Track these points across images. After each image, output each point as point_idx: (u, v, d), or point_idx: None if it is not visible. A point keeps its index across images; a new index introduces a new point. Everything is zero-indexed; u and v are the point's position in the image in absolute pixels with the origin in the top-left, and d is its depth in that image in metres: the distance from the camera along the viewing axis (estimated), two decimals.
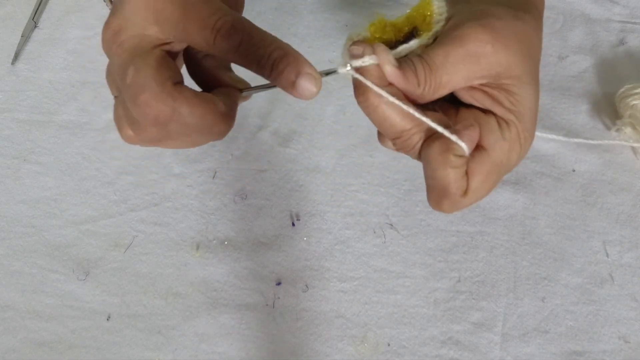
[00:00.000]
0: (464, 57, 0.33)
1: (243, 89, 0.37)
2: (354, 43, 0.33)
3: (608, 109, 0.58)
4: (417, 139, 0.34)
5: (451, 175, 0.33)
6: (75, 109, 0.60)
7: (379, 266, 0.52)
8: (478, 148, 0.35)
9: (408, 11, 0.35)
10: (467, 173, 0.34)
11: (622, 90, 0.57)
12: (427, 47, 0.35)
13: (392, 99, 0.33)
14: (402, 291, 0.51)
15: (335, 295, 0.51)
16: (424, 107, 0.35)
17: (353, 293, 0.51)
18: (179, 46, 0.35)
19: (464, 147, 0.33)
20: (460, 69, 0.34)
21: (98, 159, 0.58)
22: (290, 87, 0.32)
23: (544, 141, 0.57)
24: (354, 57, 0.33)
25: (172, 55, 0.35)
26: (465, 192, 0.34)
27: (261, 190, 0.56)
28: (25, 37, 0.64)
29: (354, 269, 0.52)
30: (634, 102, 0.55)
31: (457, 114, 0.37)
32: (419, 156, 0.35)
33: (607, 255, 0.52)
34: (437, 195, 0.34)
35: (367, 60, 0.33)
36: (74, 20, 0.65)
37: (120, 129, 0.36)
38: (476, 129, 0.34)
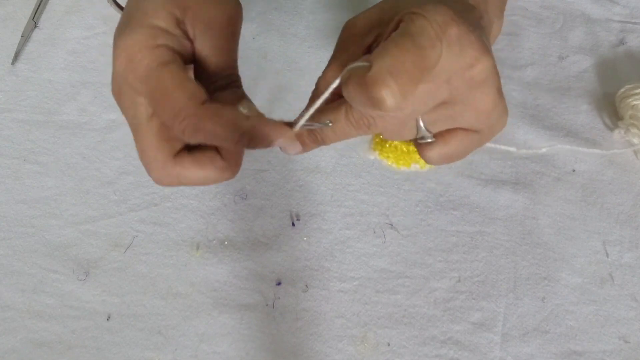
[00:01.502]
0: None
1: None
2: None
3: (608, 109, 0.58)
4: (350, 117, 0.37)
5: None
6: (75, 109, 0.60)
7: (379, 266, 0.52)
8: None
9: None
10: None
11: (622, 90, 0.57)
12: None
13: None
14: (402, 291, 0.51)
15: (335, 295, 0.51)
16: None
17: (353, 293, 0.51)
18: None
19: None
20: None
21: (98, 159, 0.58)
22: (270, 147, 0.36)
23: (544, 141, 0.57)
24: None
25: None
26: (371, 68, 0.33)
27: (261, 190, 0.56)
28: (25, 37, 0.64)
29: (354, 269, 0.52)
30: (635, 102, 0.55)
31: None
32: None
33: (607, 255, 0.52)
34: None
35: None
36: (74, 20, 0.65)
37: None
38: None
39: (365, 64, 0.32)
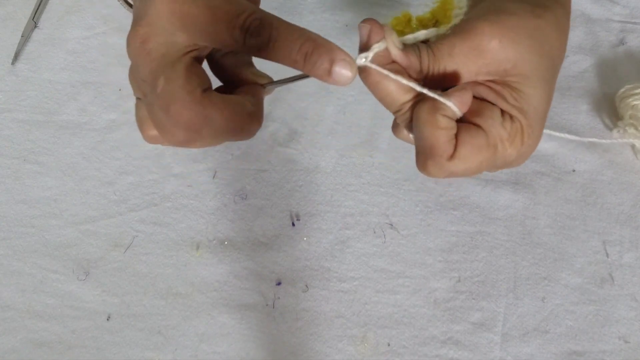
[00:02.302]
0: (469, 50, 0.34)
1: (265, 84, 0.38)
2: (365, 21, 0.34)
3: (608, 109, 0.58)
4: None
5: (438, 135, 0.34)
6: (75, 109, 0.60)
7: (379, 266, 0.52)
8: (474, 126, 0.35)
9: (433, 7, 0.37)
10: (456, 140, 0.34)
11: (622, 90, 0.57)
12: (445, 36, 0.35)
13: (393, 75, 0.34)
14: (402, 291, 0.51)
15: (335, 295, 0.51)
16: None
17: (353, 293, 0.51)
18: (206, 51, 0.36)
19: (452, 105, 0.34)
20: (465, 61, 0.34)
21: (98, 159, 0.58)
22: (326, 76, 0.33)
23: (544, 141, 0.56)
24: (361, 37, 0.34)
25: (199, 60, 0.36)
26: (451, 157, 0.34)
27: (261, 190, 0.56)
28: (25, 37, 0.64)
29: (354, 269, 0.52)
30: (635, 102, 0.55)
31: None
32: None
33: (607, 255, 0.52)
34: (423, 154, 0.35)
35: (375, 48, 0.34)
36: (74, 20, 0.65)
37: (143, 130, 0.37)
38: (468, 92, 0.34)
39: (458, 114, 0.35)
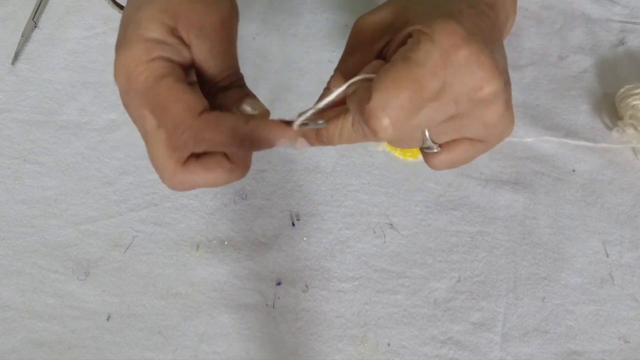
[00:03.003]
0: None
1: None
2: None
3: (608, 109, 0.58)
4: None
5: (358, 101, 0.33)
6: (75, 109, 0.60)
7: (379, 266, 0.52)
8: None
9: None
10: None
11: (622, 90, 0.57)
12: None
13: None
14: (402, 291, 0.51)
15: (335, 295, 0.51)
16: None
17: (353, 293, 0.51)
18: (191, 73, 0.38)
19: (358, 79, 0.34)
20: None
21: (98, 159, 0.58)
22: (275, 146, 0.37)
23: (544, 141, 0.57)
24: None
25: (187, 81, 0.37)
26: (369, 100, 0.32)
27: (261, 190, 0.56)
28: (25, 37, 0.64)
29: (354, 269, 0.52)
30: (635, 102, 0.55)
31: None
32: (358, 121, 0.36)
33: (607, 255, 0.52)
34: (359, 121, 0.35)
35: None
36: (74, 20, 0.65)
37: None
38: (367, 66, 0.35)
39: (369, 76, 0.32)
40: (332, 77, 0.38)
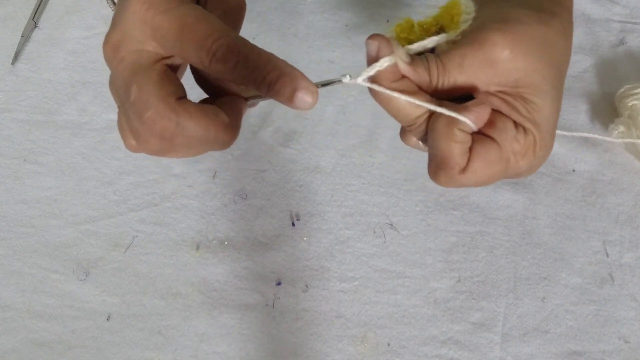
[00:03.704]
0: (481, 61, 0.34)
1: (249, 97, 0.37)
2: (371, 37, 0.34)
3: (608, 109, 0.58)
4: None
5: (452, 148, 0.34)
6: (75, 109, 0.60)
7: (379, 266, 0.52)
8: (488, 139, 0.35)
9: (436, 12, 0.36)
10: (470, 153, 0.34)
11: (621, 90, 0.57)
12: (454, 43, 0.35)
13: (403, 97, 0.34)
14: (402, 291, 0.51)
15: (335, 295, 0.51)
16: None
17: (353, 293, 0.51)
18: (179, 60, 0.35)
19: (469, 122, 0.34)
20: (476, 72, 0.34)
21: (98, 159, 0.58)
22: (288, 102, 0.33)
23: None
24: (369, 54, 0.34)
25: (173, 68, 0.35)
26: (463, 170, 0.34)
27: (261, 190, 0.56)
28: (25, 37, 0.64)
29: (354, 269, 0.52)
30: (633, 102, 0.55)
31: None
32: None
33: (607, 255, 0.52)
34: (435, 165, 0.35)
35: (382, 64, 0.33)
36: (74, 20, 0.65)
37: (124, 138, 0.36)
38: (486, 108, 0.34)
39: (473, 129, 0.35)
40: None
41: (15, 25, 0.65)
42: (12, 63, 0.63)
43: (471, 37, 0.34)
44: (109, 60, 0.35)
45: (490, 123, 0.35)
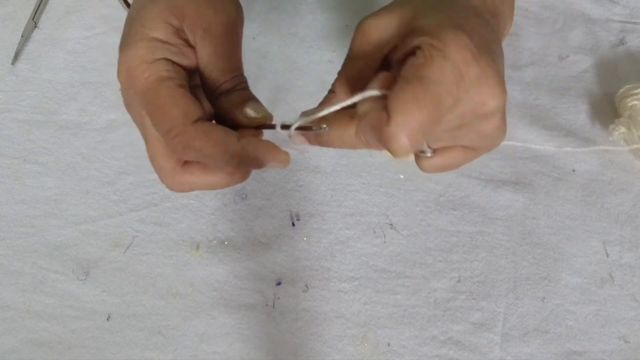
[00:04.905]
0: (397, 26, 0.35)
1: (258, 127, 0.38)
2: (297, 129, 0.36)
3: (608, 109, 0.58)
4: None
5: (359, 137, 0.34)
6: (75, 109, 0.60)
7: (379, 266, 0.52)
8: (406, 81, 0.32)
9: None
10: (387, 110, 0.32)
11: (621, 90, 0.57)
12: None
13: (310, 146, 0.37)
14: (402, 291, 0.51)
15: (335, 295, 0.51)
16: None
17: (353, 293, 0.51)
18: (194, 80, 0.38)
19: (372, 92, 0.32)
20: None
21: (98, 159, 0.58)
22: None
23: (544, 141, 0.57)
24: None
25: (190, 87, 0.38)
26: (388, 122, 0.31)
27: (261, 190, 0.56)
28: (25, 37, 0.64)
29: (354, 269, 0.52)
30: (632, 102, 0.55)
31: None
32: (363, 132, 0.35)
33: (607, 255, 0.52)
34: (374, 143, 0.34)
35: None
36: (74, 20, 0.65)
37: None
38: (382, 77, 0.33)
39: (379, 93, 0.32)
40: (336, 80, 0.37)
41: (15, 25, 0.65)
42: (12, 63, 0.63)
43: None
44: (123, 85, 0.37)
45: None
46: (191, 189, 0.37)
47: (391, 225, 0.54)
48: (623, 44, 0.62)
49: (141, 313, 0.51)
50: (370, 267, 0.52)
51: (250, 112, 0.37)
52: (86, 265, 0.53)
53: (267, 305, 0.51)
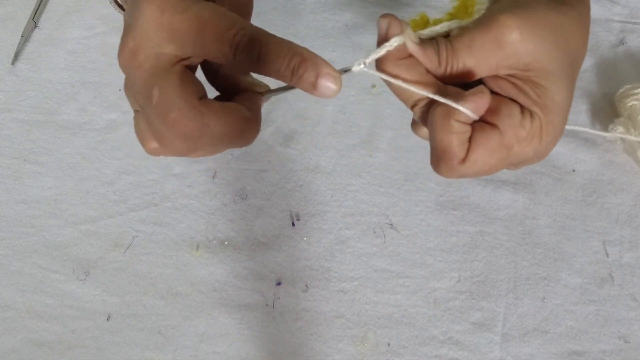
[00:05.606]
0: (490, 43, 0.33)
1: (263, 92, 0.37)
2: (383, 16, 0.34)
3: (608, 109, 0.58)
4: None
5: (450, 139, 0.34)
6: (75, 109, 0.60)
7: (379, 266, 0.52)
8: (490, 126, 0.34)
9: (451, 9, 0.36)
10: (470, 142, 0.34)
11: (621, 90, 0.57)
12: (465, 29, 0.35)
13: (405, 85, 0.34)
14: (402, 291, 0.51)
15: (335, 295, 0.51)
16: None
17: (353, 293, 0.51)
18: (197, 60, 0.35)
19: (467, 111, 0.33)
20: (485, 55, 0.34)
21: (98, 159, 0.58)
22: (312, 89, 0.33)
23: None
24: (379, 33, 0.34)
25: (192, 68, 0.36)
26: (463, 161, 0.34)
27: (261, 190, 0.56)
28: (25, 37, 0.64)
29: (354, 269, 0.52)
30: (632, 102, 0.55)
31: None
32: None
33: (607, 255, 0.52)
34: (436, 157, 0.35)
35: (391, 44, 0.33)
36: (74, 20, 0.65)
37: (144, 142, 0.36)
38: (485, 96, 0.34)
39: (474, 117, 0.34)
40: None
41: (15, 25, 0.65)
42: (12, 63, 0.63)
43: (481, 20, 0.34)
44: (127, 66, 0.34)
45: (493, 110, 0.34)
46: (199, 135, 0.33)
47: (391, 225, 0.54)
48: (623, 44, 0.62)
49: (141, 313, 0.51)
50: (370, 267, 0.52)
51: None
52: (86, 265, 0.53)
53: (267, 305, 0.51)
